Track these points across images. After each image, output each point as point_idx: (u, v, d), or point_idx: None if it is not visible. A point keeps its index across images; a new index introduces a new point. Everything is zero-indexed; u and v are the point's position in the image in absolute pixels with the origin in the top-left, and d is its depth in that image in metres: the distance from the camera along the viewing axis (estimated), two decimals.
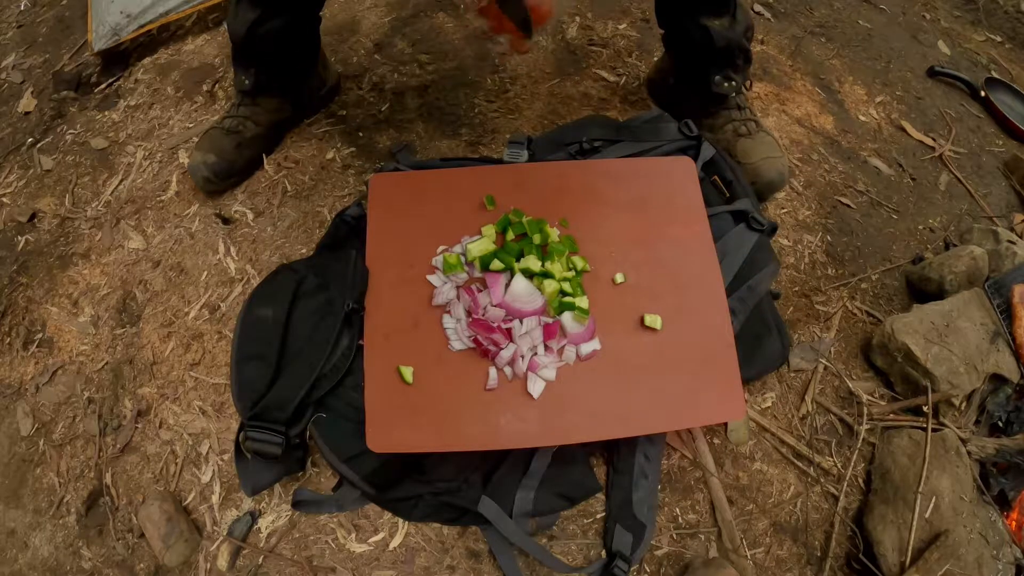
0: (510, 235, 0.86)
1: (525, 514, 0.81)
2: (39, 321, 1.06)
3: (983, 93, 1.44)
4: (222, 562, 0.83)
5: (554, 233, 0.86)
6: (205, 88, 1.31)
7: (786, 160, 1.09)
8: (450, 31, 1.38)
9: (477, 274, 0.84)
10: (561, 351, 0.79)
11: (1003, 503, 0.87)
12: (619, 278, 0.84)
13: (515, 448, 0.79)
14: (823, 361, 0.99)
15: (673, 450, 0.90)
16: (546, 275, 0.82)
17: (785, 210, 1.15)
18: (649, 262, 0.86)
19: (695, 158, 0.95)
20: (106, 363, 1.00)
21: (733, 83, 1.08)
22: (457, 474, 0.81)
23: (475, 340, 0.79)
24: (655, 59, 1.28)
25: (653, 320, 0.81)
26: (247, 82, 1.09)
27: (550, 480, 0.82)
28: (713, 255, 0.86)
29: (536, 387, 0.77)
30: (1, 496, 0.93)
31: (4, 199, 1.22)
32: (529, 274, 0.83)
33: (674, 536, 0.85)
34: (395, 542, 0.83)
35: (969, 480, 0.85)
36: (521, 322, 0.80)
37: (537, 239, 0.85)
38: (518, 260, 0.84)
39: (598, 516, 0.86)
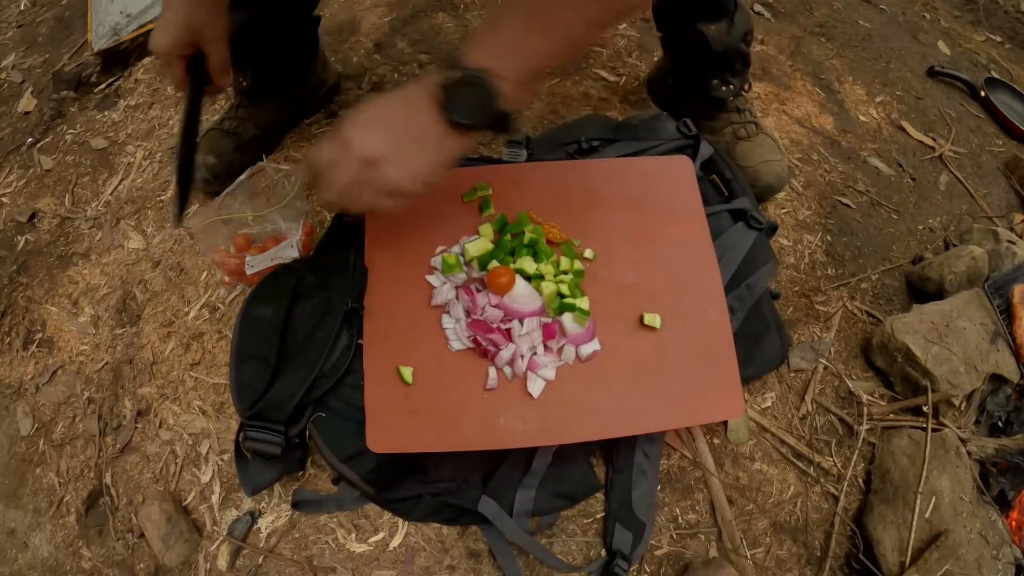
0: (507, 235, 0.86)
1: (525, 513, 0.81)
2: (39, 321, 1.06)
3: (983, 93, 1.44)
4: (222, 562, 0.83)
5: (555, 232, 0.86)
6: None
7: (786, 163, 1.09)
8: (450, 31, 1.38)
9: (476, 274, 0.84)
10: (560, 351, 0.79)
11: (1003, 503, 0.87)
12: (630, 278, 0.84)
13: (515, 448, 0.79)
14: (823, 361, 0.99)
15: (673, 450, 0.90)
16: (542, 277, 0.83)
17: (785, 210, 1.15)
18: (648, 261, 0.86)
19: (693, 157, 0.95)
20: (106, 363, 1.00)
21: (731, 87, 1.07)
22: (457, 474, 0.81)
23: (474, 340, 0.79)
24: (655, 59, 1.28)
25: (652, 319, 0.81)
26: (245, 83, 1.09)
27: (550, 479, 0.82)
28: (712, 254, 0.86)
29: (536, 387, 0.77)
30: (1, 496, 0.93)
31: (4, 199, 1.22)
32: (526, 276, 0.83)
33: (674, 536, 0.85)
34: (395, 542, 0.83)
35: (969, 480, 0.85)
36: (522, 323, 0.80)
37: (528, 237, 0.84)
38: (511, 255, 0.84)
39: (598, 515, 0.86)
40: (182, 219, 0.89)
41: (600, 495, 0.86)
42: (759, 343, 0.91)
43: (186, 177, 0.83)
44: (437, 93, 0.61)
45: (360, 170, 0.63)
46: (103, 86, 1.36)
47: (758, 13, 1.52)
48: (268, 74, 1.08)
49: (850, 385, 0.97)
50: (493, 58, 0.60)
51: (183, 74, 0.80)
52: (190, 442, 0.92)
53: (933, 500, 0.83)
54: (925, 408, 0.90)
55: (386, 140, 0.63)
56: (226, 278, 1.00)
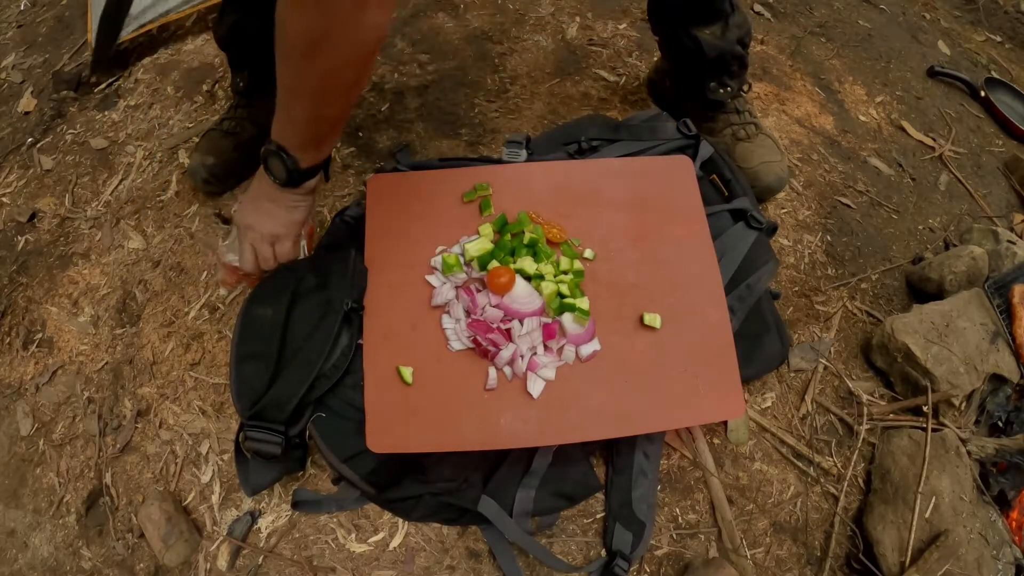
0: (506, 235, 0.86)
1: (525, 513, 0.81)
2: (39, 321, 1.06)
3: (983, 93, 1.44)
4: (222, 562, 0.83)
5: (555, 232, 0.86)
6: (205, 88, 1.31)
7: (786, 163, 1.09)
8: (450, 31, 1.38)
9: (476, 274, 0.84)
10: (560, 351, 0.79)
11: (1003, 503, 0.87)
12: (630, 278, 0.84)
13: (515, 448, 0.79)
14: (823, 361, 0.99)
15: (673, 450, 0.90)
16: (541, 277, 0.83)
17: (785, 210, 1.15)
18: (648, 261, 0.86)
19: (693, 157, 0.95)
20: (106, 363, 1.00)
21: (728, 89, 1.07)
22: (457, 474, 0.82)
23: (474, 340, 0.79)
24: (655, 59, 1.28)
25: (652, 319, 0.81)
26: (242, 84, 1.10)
27: (550, 479, 0.82)
28: (712, 254, 0.86)
29: (536, 387, 0.77)
30: (1, 496, 0.93)
31: (4, 199, 1.22)
32: (526, 276, 0.83)
33: (674, 536, 0.85)
34: (395, 542, 0.83)
35: (969, 480, 0.85)
36: (522, 323, 0.80)
37: (528, 237, 0.85)
38: (511, 255, 0.84)
39: (598, 515, 0.86)
40: (101, 64, 0.87)
41: (600, 495, 0.86)
42: (759, 343, 0.91)
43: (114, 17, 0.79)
44: (262, 165, 0.80)
45: (249, 234, 0.84)
46: (103, 86, 1.36)
47: (758, 13, 1.52)
48: (264, 74, 1.08)
49: (850, 385, 0.97)
50: (282, 136, 0.76)
51: None
52: (190, 442, 0.92)
53: (933, 500, 0.83)
54: (925, 408, 0.90)
55: (253, 210, 0.83)
56: (228, 278, 0.99)
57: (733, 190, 0.95)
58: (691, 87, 1.10)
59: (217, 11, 1.39)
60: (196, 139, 1.18)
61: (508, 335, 0.79)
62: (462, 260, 0.84)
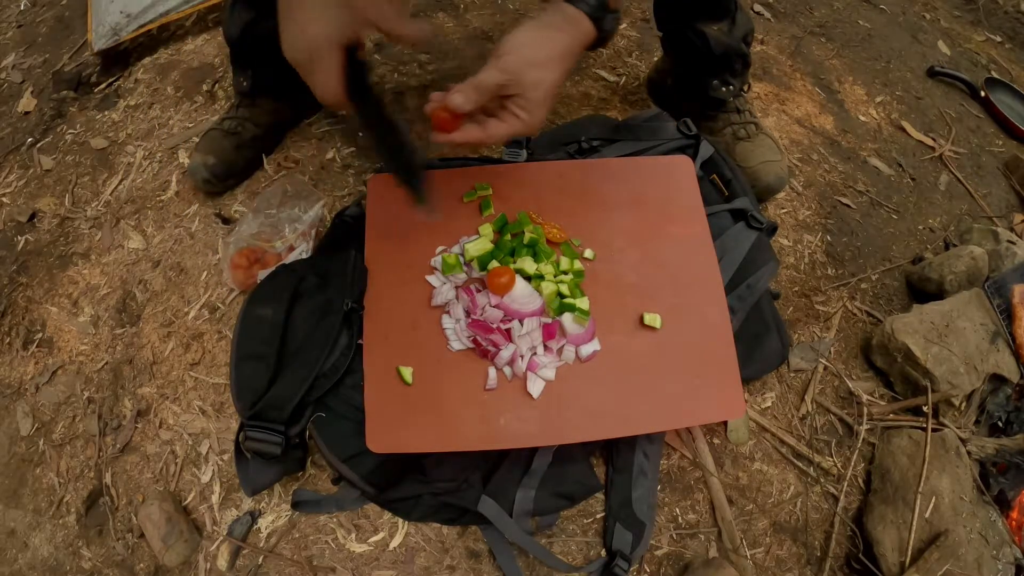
0: (507, 235, 0.86)
1: (525, 513, 0.81)
2: (39, 321, 1.06)
3: (983, 93, 1.44)
4: (222, 562, 0.83)
5: (555, 232, 0.86)
6: (205, 88, 1.31)
7: (785, 163, 1.09)
8: (450, 31, 1.38)
9: (476, 274, 0.84)
10: (560, 351, 0.79)
11: (1003, 503, 0.87)
12: (630, 278, 0.84)
13: (515, 448, 0.79)
14: (823, 361, 0.99)
15: (673, 450, 0.90)
16: (541, 277, 0.83)
17: (785, 210, 1.15)
18: (648, 261, 0.86)
19: (694, 157, 0.95)
20: (106, 363, 1.00)
21: (731, 87, 1.08)
22: (457, 474, 0.81)
23: (474, 340, 0.79)
24: (655, 59, 1.28)
25: (652, 319, 0.81)
26: (245, 83, 1.09)
27: (550, 479, 0.82)
28: (712, 254, 0.86)
29: (536, 387, 0.77)
30: (1, 496, 0.93)
31: (4, 199, 1.22)
32: (526, 276, 0.83)
33: (674, 536, 0.85)
34: (395, 542, 0.83)
35: (969, 480, 0.85)
36: (521, 323, 0.80)
37: (528, 237, 0.85)
38: (511, 255, 0.84)
39: (598, 515, 0.86)
40: (424, 199, 0.78)
41: (600, 495, 0.86)
42: (759, 343, 0.91)
43: (409, 166, 0.76)
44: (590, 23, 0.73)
45: (550, 90, 0.72)
46: (103, 86, 1.36)
47: (758, 13, 1.52)
48: (267, 75, 1.08)
49: (850, 385, 0.97)
50: None
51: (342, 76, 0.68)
52: (190, 442, 0.92)
53: (933, 500, 0.83)
54: (925, 408, 0.90)
55: (552, 63, 0.72)
56: (242, 276, 0.99)
57: (733, 190, 0.95)
58: (693, 85, 1.10)
59: (219, 10, 1.40)
60: (196, 139, 1.18)
61: (508, 335, 0.79)
62: (462, 260, 0.84)
